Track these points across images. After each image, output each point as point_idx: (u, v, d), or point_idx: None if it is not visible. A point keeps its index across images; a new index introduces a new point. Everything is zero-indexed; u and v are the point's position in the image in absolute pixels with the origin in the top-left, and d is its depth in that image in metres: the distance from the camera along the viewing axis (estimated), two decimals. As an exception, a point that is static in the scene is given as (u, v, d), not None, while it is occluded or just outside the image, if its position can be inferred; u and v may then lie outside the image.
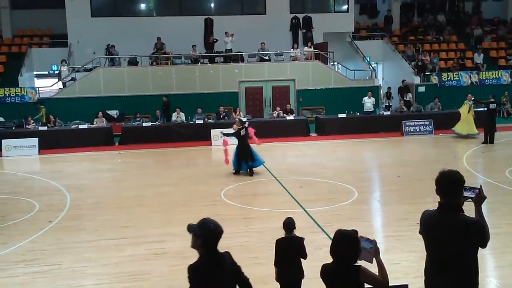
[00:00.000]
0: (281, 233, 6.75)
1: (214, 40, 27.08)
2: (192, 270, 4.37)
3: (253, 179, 15.25)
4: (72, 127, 21.73)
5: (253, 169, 15.70)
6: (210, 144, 20.99)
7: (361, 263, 4.45)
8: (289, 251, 6.54)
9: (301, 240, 6.62)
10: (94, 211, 12.61)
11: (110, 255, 9.59)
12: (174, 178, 15.82)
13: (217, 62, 26.49)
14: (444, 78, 27.48)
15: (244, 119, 17.87)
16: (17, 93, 23.96)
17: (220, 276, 4.39)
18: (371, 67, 28.03)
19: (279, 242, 6.62)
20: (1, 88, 23.93)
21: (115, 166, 17.97)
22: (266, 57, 26.78)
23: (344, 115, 23.18)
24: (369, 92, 24.21)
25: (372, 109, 23.96)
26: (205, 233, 4.39)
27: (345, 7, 30.07)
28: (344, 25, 29.48)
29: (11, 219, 11.93)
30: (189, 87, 25.19)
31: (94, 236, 10.69)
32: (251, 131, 15.96)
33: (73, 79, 25.50)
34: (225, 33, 26.54)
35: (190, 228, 4.44)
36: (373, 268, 4.49)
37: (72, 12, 27.11)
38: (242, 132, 15.65)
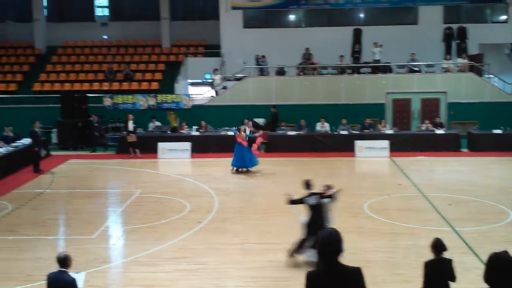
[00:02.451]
0: (428, 252, 6.51)
1: (356, 50, 26.91)
2: (306, 276, 4.42)
3: (398, 193, 14.81)
4: (222, 133, 22.65)
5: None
6: (354, 156, 20.73)
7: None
8: (438, 274, 6.28)
9: (450, 262, 6.34)
10: (240, 215, 13.05)
11: (253, 259, 9.86)
12: (316, 188, 15.80)
13: (364, 73, 26.19)
14: None
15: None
16: (173, 100, 25.55)
17: (332, 286, 4.29)
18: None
19: (427, 265, 6.39)
20: (159, 95, 25.67)
21: (260, 173, 18.35)
22: (416, 68, 25.95)
23: (499, 131, 21.73)
24: (529, 108, 22.47)
25: (532, 126, 22.20)
26: (318, 242, 4.39)
27: (504, 17, 28.33)
28: (502, 36, 27.72)
29: (164, 217, 12.74)
30: (334, 97, 25.14)
31: (239, 239, 11.06)
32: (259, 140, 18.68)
33: (225, 87, 26.63)
34: (374, 43, 26.18)
35: None
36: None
37: (226, 23, 28.42)
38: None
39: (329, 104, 24.78)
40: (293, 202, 9.59)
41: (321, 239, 4.36)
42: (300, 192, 15.00)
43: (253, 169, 18.31)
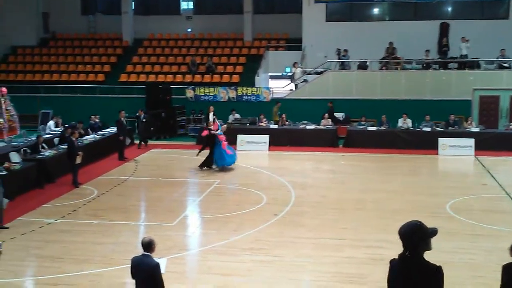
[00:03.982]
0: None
1: (444, 44, 26.00)
2: (390, 263, 4.58)
3: (483, 194, 14.23)
4: (300, 127, 22.61)
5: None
6: (437, 153, 20.08)
7: None
8: None
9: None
10: (315, 209, 13.00)
11: (328, 254, 9.81)
12: (396, 185, 15.52)
13: (450, 68, 25.30)
14: None
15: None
16: (253, 92, 25.78)
17: (407, 277, 4.39)
18: None
19: (506, 268, 6.11)
20: (239, 87, 25.97)
21: (337, 168, 18.25)
22: (506, 65, 24.78)
23: None
24: None
25: None
26: (400, 233, 4.43)
27: None
28: None
29: (242, 208, 12.91)
30: (418, 93, 24.44)
31: (314, 234, 11.04)
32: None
33: (305, 80, 26.55)
34: (461, 38, 25.21)
35: None
36: None
37: (309, 16, 28.25)
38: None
39: (412, 99, 24.11)
40: None
41: (404, 231, 4.37)
42: (375, 189, 14.77)
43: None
